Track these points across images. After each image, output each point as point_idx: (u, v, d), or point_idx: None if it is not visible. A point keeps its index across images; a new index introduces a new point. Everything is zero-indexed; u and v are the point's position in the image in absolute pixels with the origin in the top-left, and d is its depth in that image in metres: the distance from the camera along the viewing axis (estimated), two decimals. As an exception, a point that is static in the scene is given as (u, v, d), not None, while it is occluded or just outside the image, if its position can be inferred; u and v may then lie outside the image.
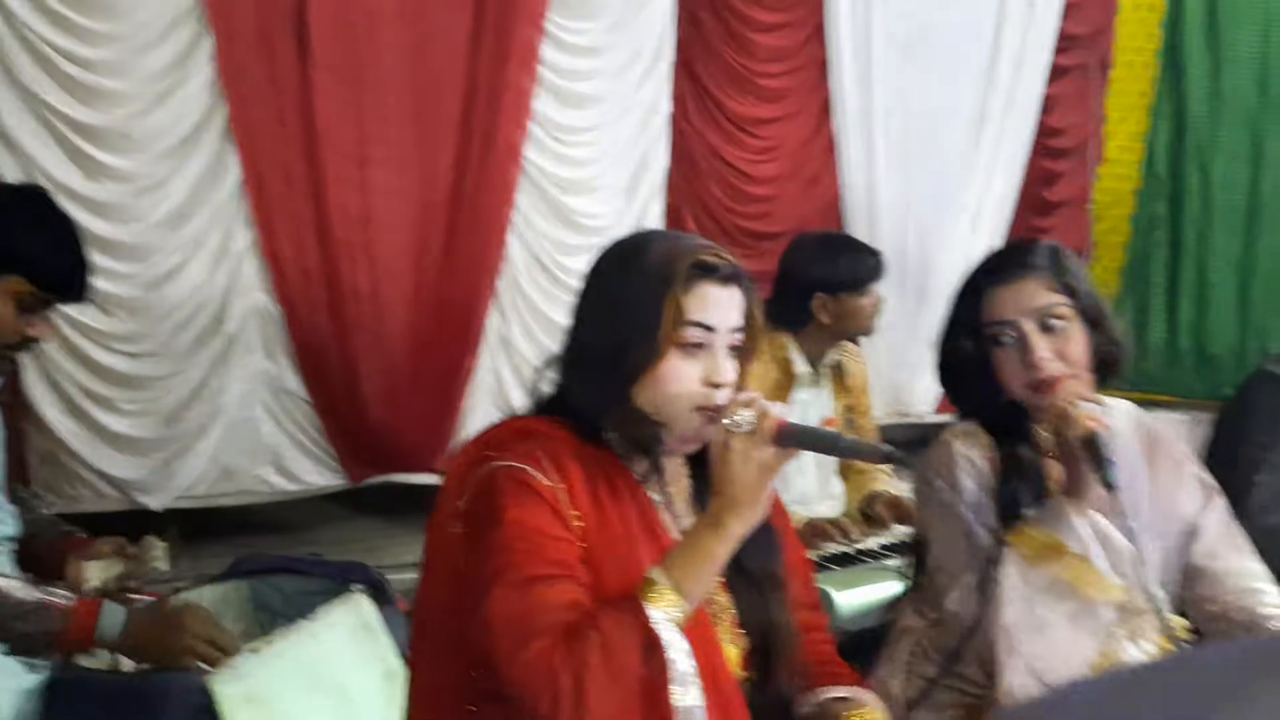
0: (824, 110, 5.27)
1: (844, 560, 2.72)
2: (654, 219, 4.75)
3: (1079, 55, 6.02)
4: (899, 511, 2.93)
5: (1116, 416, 1.87)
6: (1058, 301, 1.80)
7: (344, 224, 4.03)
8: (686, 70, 4.87)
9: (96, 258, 3.54)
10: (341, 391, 4.12)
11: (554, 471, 1.43)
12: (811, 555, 2.64)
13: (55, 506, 3.33)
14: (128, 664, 2.04)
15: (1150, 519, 1.81)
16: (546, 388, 1.57)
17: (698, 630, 1.41)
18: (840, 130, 5.29)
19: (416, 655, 1.59)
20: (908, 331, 5.23)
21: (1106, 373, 1.85)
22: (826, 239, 3.24)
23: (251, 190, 3.88)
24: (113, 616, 1.96)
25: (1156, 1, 6.45)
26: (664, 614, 1.34)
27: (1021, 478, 1.83)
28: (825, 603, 2.37)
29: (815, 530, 2.82)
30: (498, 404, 4.37)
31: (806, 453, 1.53)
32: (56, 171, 3.57)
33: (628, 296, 1.48)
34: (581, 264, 1.58)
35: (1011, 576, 1.72)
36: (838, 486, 3.16)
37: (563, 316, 1.57)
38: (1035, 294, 1.81)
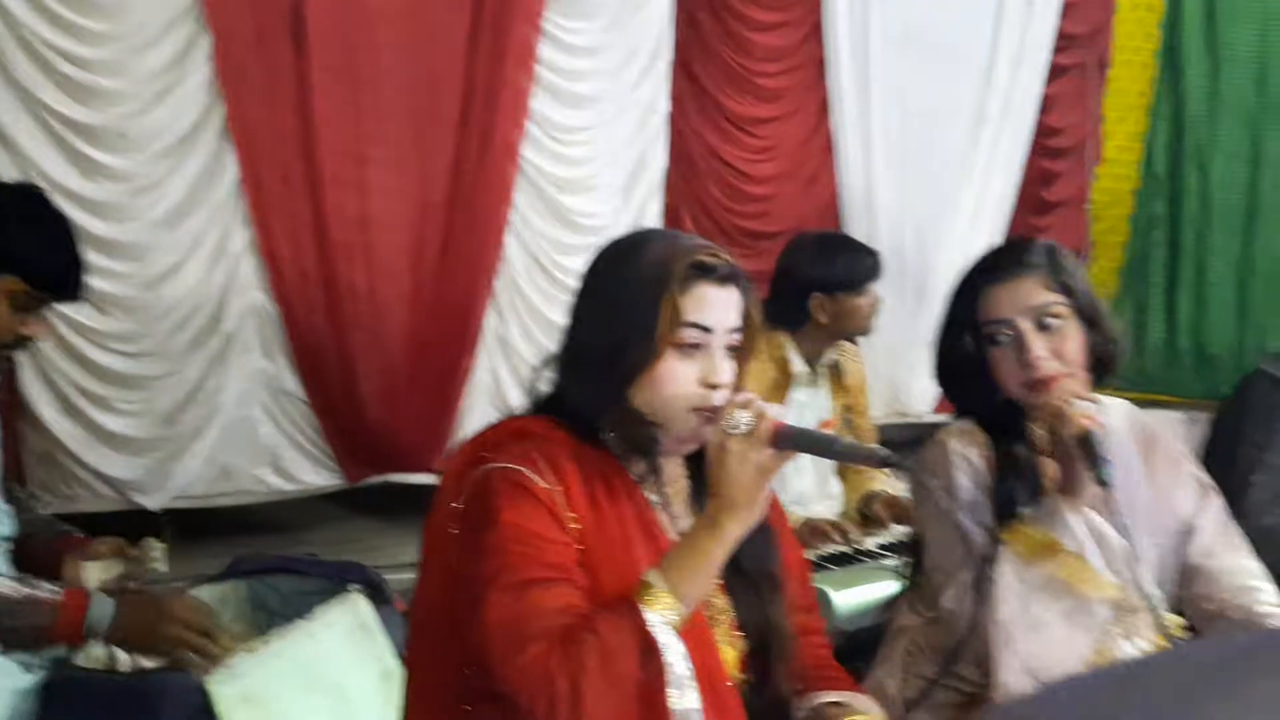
0: (822, 110, 5.27)
1: (842, 560, 2.71)
2: (652, 218, 4.75)
3: (1077, 55, 6.02)
4: (897, 511, 2.93)
5: (1112, 415, 1.87)
6: (1054, 300, 1.80)
7: (341, 223, 4.03)
8: (684, 70, 4.86)
9: (93, 257, 3.55)
10: (339, 391, 4.12)
11: (550, 473, 1.42)
12: (809, 555, 2.64)
13: (52, 506, 3.33)
14: (124, 664, 2.04)
15: (1147, 517, 1.81)
16: (544, 387, 1.57)
17: (694, 632, 1.41)
18: (838, 130, 5.29)
19: (413, 655, 1.59)
20: (906, 331, 5.23)
21: (1103, 371, 1.85)
22: (824, 239, 3.24)
23: (249, 190, 3.88)
24: (101, 608, 1.96)
25: (1155, 1, 6.45)
26: (661, 617, 1.34)
27: (1018, 476, 1.83)
28: (823, 602, 2.37)
29: (813, 530, 2.82)
30: (495, 404, 4.37)
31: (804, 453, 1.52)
32: (53, 171, 3.56)
33: (624, 297, 1.47)
34: (579, 263, 1.58)
35: (1007, 575, 1.72)
36: (836, 486, 3.16)
37: (561, 316, 1.57)
38: (1032, 293, 1.81)
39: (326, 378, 4.10)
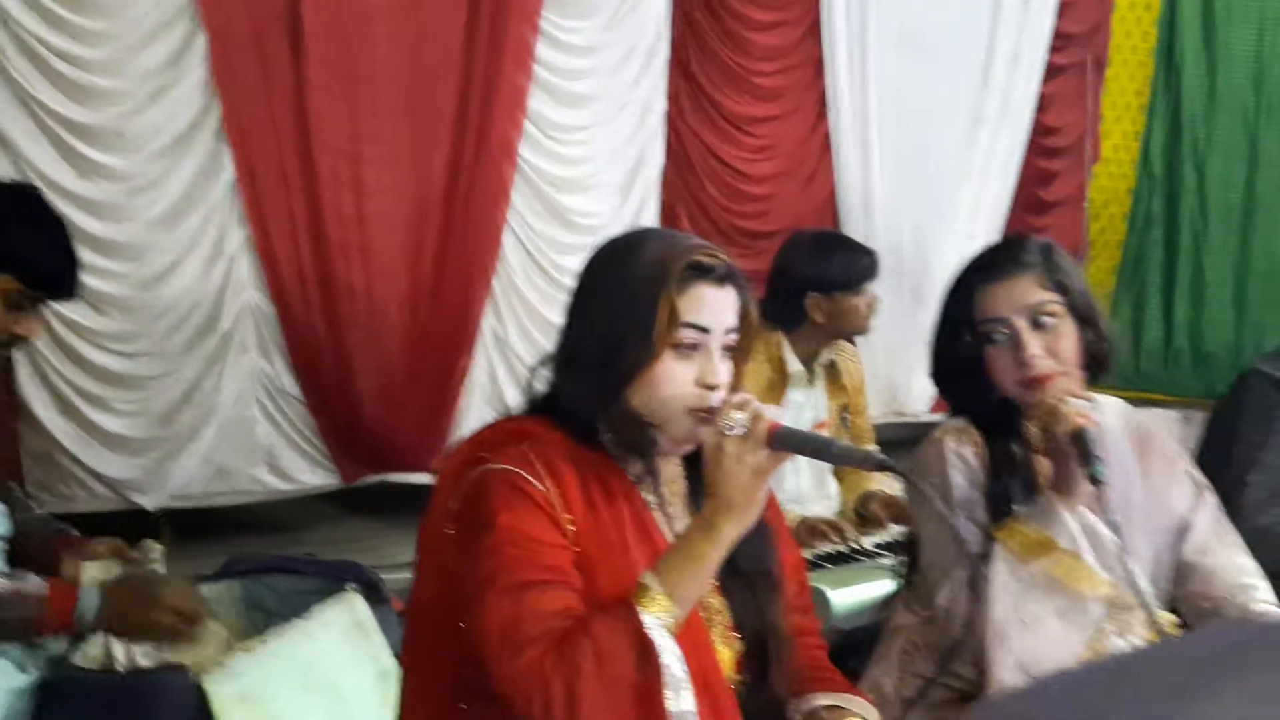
0: (819, 109, 5.28)
1: (839, 559, 2.71)
2: (649, 217, 4.75)
3: (1074, 54, 6.03)
4: (894, 511, 2.92)
5: (1107, 413, 1.87)
6: (1050, 299, 1.80)
7: (338, 222, 4.02)
8: (681, 68, 4.87)
9: (90, 257, 3.57)
10: (336, 391, 4.12)
11: (547, 475, 1.42)
12: (806, 554, 2.64)
13: (49, 506, 3.32)
14: (121, 663, 2.04)
15: (1142, 515, 1.82)
16: (540, 386, 1.56)
17: (690, 634, 1.40)
18: (836, 129, 5.29)
19: (409, 654, 1.59)
20: (903, 330, 5.23)
21: (1097, 370, 1.85)
22: (820, 238, 3.23)
23: (245, 189, 3.88)
24: (90, 598, 1.96)
25: (1152, 0, 6.46)
26: (657, 619, 1.34)
27: (1012, 474, 1.84)
28: (820, 601, 2.37)
29: (810, 529, 2.82)
30: (493, 403, 4.37)
31: None
32: (50, 170, 3.56)
33: (621, 297, 1.46)
34: (577, 263, 1.57)
35: (1001, 573, 1.72)
36: (833, 486, 3.16)
37: (558, 315, 1.56)
38: (1027, 291, 1.81)
39: (323, 377, 4.10)
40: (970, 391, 1.88)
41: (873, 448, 3.18)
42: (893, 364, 5.36)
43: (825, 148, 5.31)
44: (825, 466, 3.12)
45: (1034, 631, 1.68)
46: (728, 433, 1.39)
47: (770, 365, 2.98)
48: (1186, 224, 6.73)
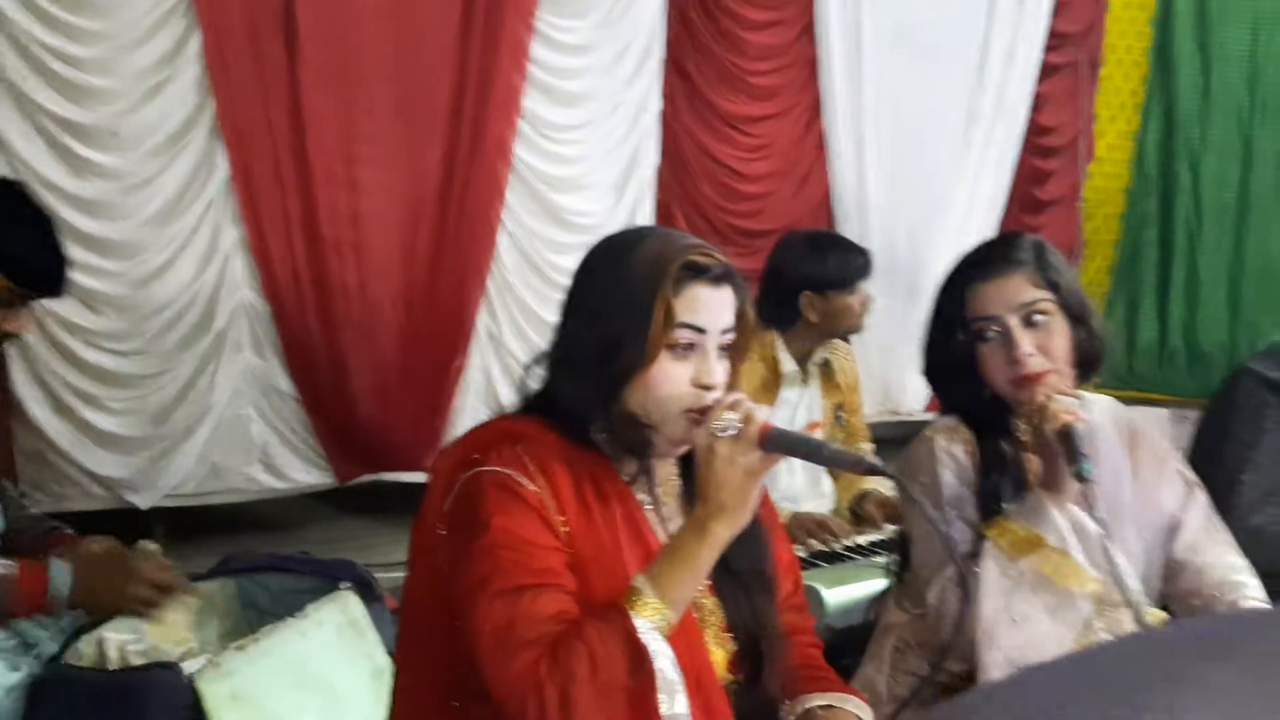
0: (814, 108, 5.28)
1: (832, 557, 2.71)
2: (644, 217, 4.75)
3: (1069, 53, 6.04)
4: (889, 511, 2.92)
5: (1097, 411, 1.88)
6: (1042, 297, 1.80)
7: (333, 221, 4.02)
8: (676, 68, 4.87)
9: (84, 255, 3.58)
10: (331, 390, 4.12)
11: (540, 476, 1.41)
12: (800, 552, 2.64)
13: (43, 505, 3.32)
14: (114, 661, 2.03)
15: (1132, 513, 1.82)
16: (535, 384, 1.55)
17: (683, 635, 1.40)
18: (830, 128, 5.30)
19: (402, 652, 1.59)
20: (898, 329, 5.23)
21: (1089, 368, 1.86)
22: (814, 237, 3.23)
23: (239, 187, 3.88)
24: (61, 574, 1.94)
25: (1146, 0, 6.47)
26: (649, 623, 1.33)
27: (1003, 472, 1.84)
28: (814, 599, 2.37)
29: (800, 524, 2.81)
30: (487, 403, 4.37)
31: None
32: (44, 169, 3.56)
33: (617, 297, 1.45)
34: (572, 262, 1.56)
35: (991, 570, 1.72)
36: (828, 485, 3.16)
37: (553, 315, 1.55)
38: (1020, 289, 1.81)
39: (318, 376, 4.09)
40: (961, 389, 1.88)
41: (868, 446, 3.19)
42: (887, 363, 5.36)
43: (820, 147, 5.32)
44: (820, 465, 3.12)
45: (1023, 629, 1.68)
46: (720, 434, 1.38)
47: (764, 365, 2.98)
48: (1181, 223, 6.75)
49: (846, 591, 2.47)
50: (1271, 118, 6.64)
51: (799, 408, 3.02)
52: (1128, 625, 1.68)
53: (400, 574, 1.60)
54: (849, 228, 5.19)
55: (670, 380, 1.44)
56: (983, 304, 1.82)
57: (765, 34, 5.07)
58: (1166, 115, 6.64)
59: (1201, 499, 1.89)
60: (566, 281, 1.55)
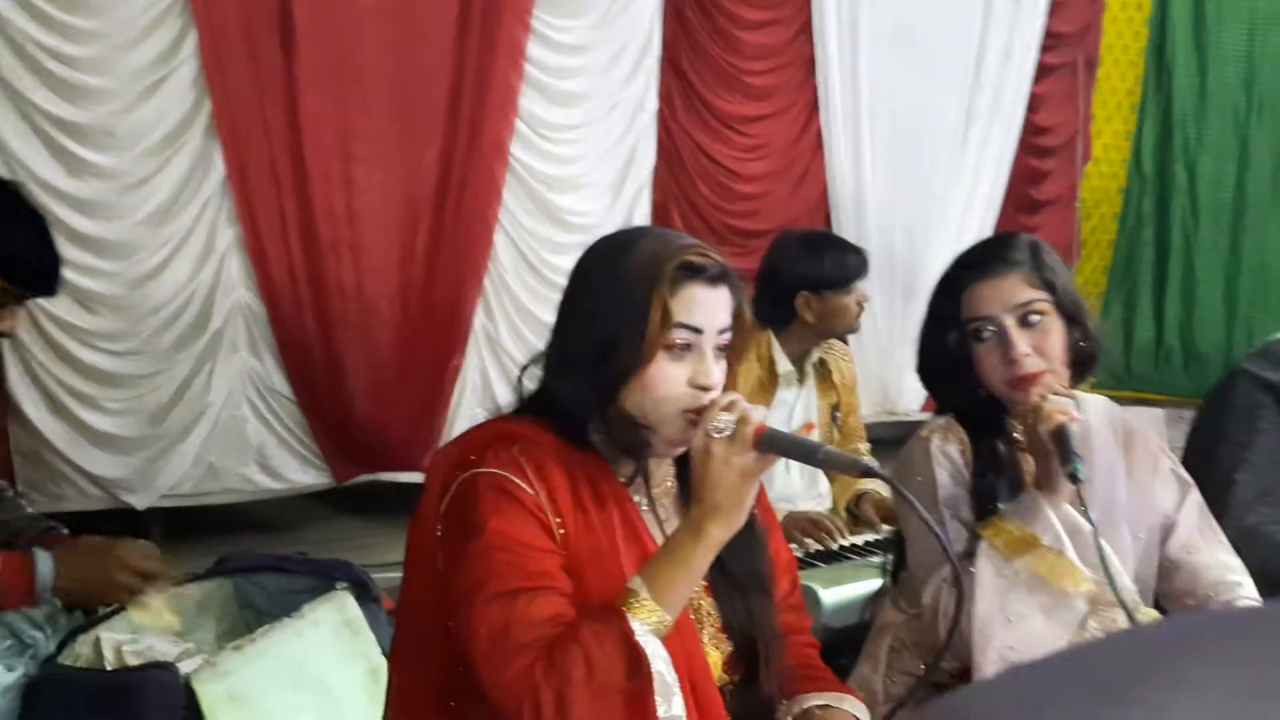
0: (811, 108, 5.29)
1: (829, 557, 2.71)
2: (641, 216, 4.75)
3: (1066, 53, 6.04)
4: (885, 512, 2.92)
5: (1091, 411, 1.88)
6: (1038, 297, 1.81)
7: (329, 221, 4.02)
8: (673, 67, 4.87)
9: (80, 255, 3.58)
10: (327, 389, 4.12)
11: (536, 478, 1.41)
12: (796, 552, 2.64)
13: (39, 505, 3.31)
14: (110, 661, 2.03)
15: (1127, 513, 1.82)
16: (530, 384, 1.55)
17: (679, 636, 1.39)
18: (827, 128, 5.30)
19: (398, 653, 1.58)
20: (895, 329, 5.25)
21: (1084, 368, 1.86)
22: (810, 237, 3.23)
23: (236, 187, 3.87)
24: (45, 563, 1.93)
25: (1143, 0, 6.48)
26: (645, 625, 1.33)
27: (998, 472, 1.84)
28: (811, 599, 2.37)
29: (794, 521, 2.81)
30: (484, 403, 4.37)
31: None
32: (40, 169, 3.56)
33: (614, 297, 1.45)
34: (569, 262, 1.56)
35: (985, 570, 1.72)
36: (825, 485, 3.16)
37: (550, 314, 1.55)
38: (1016, 290, 1.81)
39: (314, 376, 4.09)
40: (956, 389, 1.89)
41: (864, 447, 3.19)
42: (884, 363, 5.37)
43: (817, 147, 5.32)
44: (815, 467, 3.12)
45: (1018, 628, 1.69)
46: (715, 435, 1.38)
47: (760, 365, 2.98)
48: (1177, 223, 6.76)
49: (843, 591, 2.47)
50: (1268, 118, 6.66)
51: (795, 408, 3.02)
52: (1122, 625, 1.69)
53: (397, 574, 1.60)
54: (845, 228, 5.19)
55: (667, 381, 1.43)
56: (979, 304, 1.82)
57: (762, 33, 5.07)
58: (1163, 115, 6.66)
59: (1195, 498, 1.90)
60: (563, 281, 1.55)
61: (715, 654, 1.52)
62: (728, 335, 1.48)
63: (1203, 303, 6.82)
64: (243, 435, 4.02)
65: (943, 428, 1.90)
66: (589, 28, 4.55)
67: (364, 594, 2.32)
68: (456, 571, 1.38)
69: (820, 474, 3.14)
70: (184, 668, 1.96)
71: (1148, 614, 1.78)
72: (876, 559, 2.61)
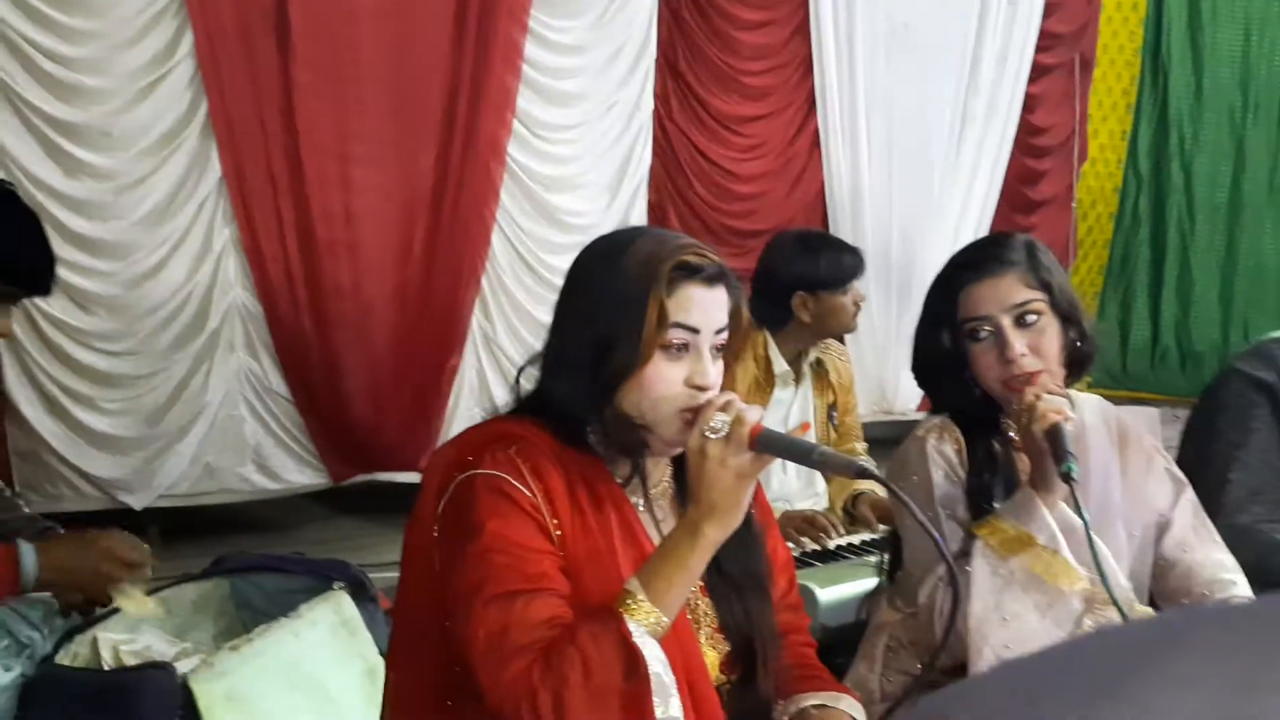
0: (808, 108, 5.29)
1: (825, 556, 2.71)
2: (638, 217, 4.76)
3: (1062, 54, 6.05)
4: (883, 511, 2.92)
5: (1086, 411, 1.88)
6: (1034, 297, 1.81)
7: (326, 221, 4.02)
8: (670, 68, 4.88)
9: (77, 255, 3.58)
10: (324, 390, 4.12)
11: (534, 479, 1.40)
12: (792, 549, 2.64)
13: (36, 505, 3.30)
14: (108, 661, 2.03)
15: (1122, 512, 1.83)
16: (528, 384, 1.55)
17: (676, 637, 1.39)
18: (824, 128, 5.31)
19: (395, 653, 1.58)
20: (891, 328, 5.26)
21: (1079, 368, 1.86)
22: (806, 237, 3.23)
23: (232, 187, 3.88)
24: (28, 554, 1.91)
25: (1139, 1, 6.49)
26: (643, 626, 1.33)
27: (993, 471, 1.84)
28: (808, 599, 2.37)
29: (791, 522, 2.81)
30: (481, 403, 4.37)
31: None
32: (36, 169, 3.56)
33: (611, 297, 1.44)
34: (566, 262, 1.56)
35: (981, 569, 1.73)
36: (821, 485, 3.16)
37: (547, 315, 1.54)
38: (1012, 290, 1.81)
39: (311, 376, 4.09)
40: (952, 388, 1.89)
41: (861, 446, 3.19)
42: (881, 362, 5.37)
43: (813, 147, 5.32)
44: (810, 468, 3.12)
45: (1014, 627, 1.69)
46: (710, 435, 1.38)
47: (756, 365, 2.98)
48: (1173, 223, 6.77)
49: (839, 590, 2.47)
50: (1263, 118, 6.67)
51: (791, 408, 3.02)
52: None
53: (394, 574, 1.60)
54: (842, 227, 5.19)
55: (664, 381, 1.43)
56: (975, 304, 1.83)
57: (758, 34, 5.08)
58: (1159, 116, 6.67)
59: (1190, 497, 1.90)
60: (560, 281, 1.55)
61: (712, 654, 1.52)
62: (725, 335, 1.48)
63: (1199, 302, 6.83)
64: (240, 435, 4.02)
65: (938, 427, 1.90)
66: (586, 28, 4.56)
67: (361, 594, 2.33)
68: (454, 573, 1.38)
69: (817, 474, 3.14)
70: (181, 667, 1.96)
71: (1142, 612, 1.79)
72: (873, 558, 2.61)
